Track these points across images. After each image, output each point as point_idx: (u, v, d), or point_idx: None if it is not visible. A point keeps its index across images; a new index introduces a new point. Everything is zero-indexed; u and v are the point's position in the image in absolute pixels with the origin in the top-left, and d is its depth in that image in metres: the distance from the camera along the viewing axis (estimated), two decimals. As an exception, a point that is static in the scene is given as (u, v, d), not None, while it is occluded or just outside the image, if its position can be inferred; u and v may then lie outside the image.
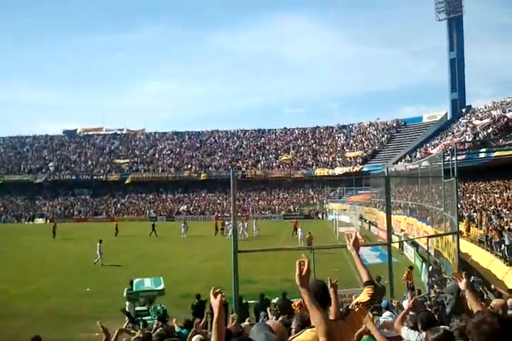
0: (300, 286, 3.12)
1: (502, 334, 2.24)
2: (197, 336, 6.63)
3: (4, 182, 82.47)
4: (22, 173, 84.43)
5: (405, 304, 9.99)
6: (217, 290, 3.23)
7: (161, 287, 15.38)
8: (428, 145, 62.55)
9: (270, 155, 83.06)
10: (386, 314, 7.32)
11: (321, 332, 2.99)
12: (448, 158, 19.50)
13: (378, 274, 15.68)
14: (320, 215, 64.27)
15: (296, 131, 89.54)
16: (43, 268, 27.09)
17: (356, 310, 3.73)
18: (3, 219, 73.07)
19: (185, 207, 74.17)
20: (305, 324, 3.96)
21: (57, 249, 35.04)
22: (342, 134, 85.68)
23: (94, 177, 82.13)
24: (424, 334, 4.39)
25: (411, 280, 18.47)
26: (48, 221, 69.05)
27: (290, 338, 3.53)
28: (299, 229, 36.08)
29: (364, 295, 3.91)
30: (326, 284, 3.67)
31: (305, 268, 3.14)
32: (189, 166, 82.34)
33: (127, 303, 15.75)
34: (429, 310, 8.28)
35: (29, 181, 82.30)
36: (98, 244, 28.61)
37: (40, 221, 71.13)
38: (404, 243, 28.69)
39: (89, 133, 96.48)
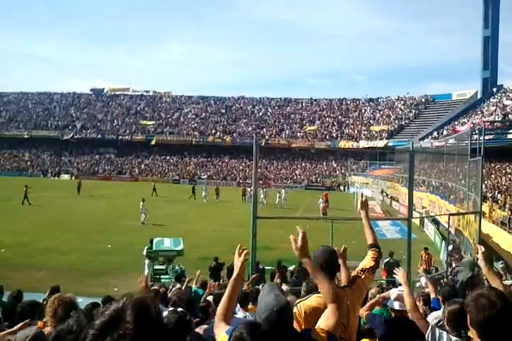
0: (301, 258, 3.21)
1: (499, 309, 2.20)
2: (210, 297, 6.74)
3: (32, 137, 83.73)
4: (49, 129, 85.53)
5: (423, 281, 9.96)
6: (244, 248, 3.24)
7: (180, 247, 15.61)
8: (456, 123, 61.34)
9: (295, 125, 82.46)
10: (400, 288, 7.30)
11: (327, 300, 3.02)
12: (475, 137, 19.20)
13: (397, 249, 15.70)
14: (342, 187, 64.09)
15: (323, 102, 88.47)
16: (65, 223, 27.61)
17: (362, 276, 3.73)
18: (30, 173, 74.46)
19: (206, 175, 74.56)
20: (313, 289, 3.98)
21: (80, 206, 35.65)
22: (369, 107, 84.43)
23: (120, 137, 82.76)
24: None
25: (428, 263, 17.58)
26: (73, 177, 70.23)
27: (297, 301, 3.55)
28: (320, 200, 36.14)
29: (368, 260, 3.91)
30: (334, 251, 3.63)
31: (299, 240, 3.20)
32: (213, 131, 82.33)
33: (146, 261, 16.05)
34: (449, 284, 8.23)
35: (56, 137, 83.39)
36: (141, 203, 29.30)
37: (65, 177, 72.36)
38: (425, 220, 28.53)
39: (117, 92, 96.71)
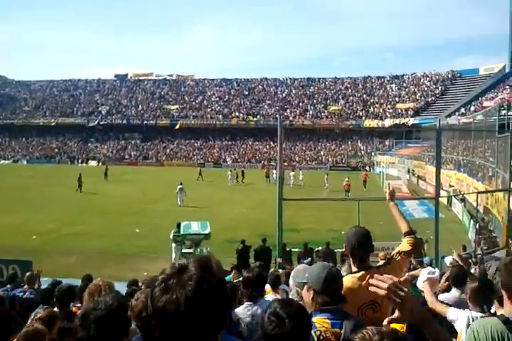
0: (389, 200, 4.36)
1: None
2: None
3: (58, 124, 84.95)
4: (75, 116, 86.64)
5: (448, 261, 9.87)
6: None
7: (207, 231, 15.72)
8: (483, 98, 60.11)
9: (319, 105, 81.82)
10: (430, 269, 7.27)
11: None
12: (503, 112, 18.81)
13: (424, 229, 15.58)
14: (367, 167, 63.63)
15: (347, 81, 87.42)
16: (94, 208, 28.08)
17: (398, 258, 3.74)
18: (58, 160, 75.79)
19: (230, 158, 74.78)
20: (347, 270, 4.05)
21: (108, 191, 36.15)
22: (394, 85, 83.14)
23: (145, 122, 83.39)
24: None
25: None
26: (100, 163, 71.20)
27: None
28: (345, 179, 35.93)
29: (405, 245, 3.91)
30: (368, 232, 3.62)
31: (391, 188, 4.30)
32: (237, 114, 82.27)
33: (173, 245, 16.25)
34: (462, 265, 8.15)
35: (82, 124, 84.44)
36: (179, 186, 29.94)
37: (93, 163, 73.38)
38: (453, 199, 28.18)
39: (140, 78, 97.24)
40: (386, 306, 3.39)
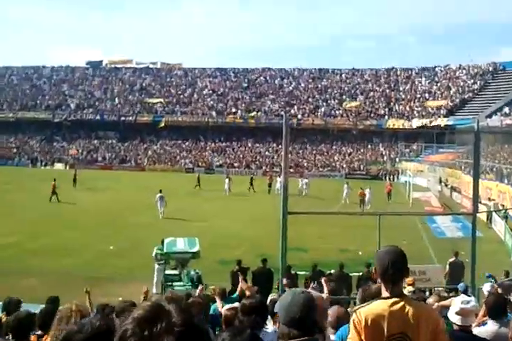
0: None
1: None
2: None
3: (18, 119, 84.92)
4: (38, 110, 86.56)
5: (486, 289, 9.87)
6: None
7: (195, 249, 15.71)
8: (532, 95, 60.26)
9: (333, 101, 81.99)
10: (464, 298, 7.26)
11: None
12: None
13: (459, 250, 15.56)
14: (391, 176, 63.61)
15: (367, 73, 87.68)
16: (61, 220, 28.08)
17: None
18: (17, 162, 75.61)
19: (220, 162, 74.88)
20: (371, 297, 4.07)
21: (77, 200, 36.14)
22: (424, 78, 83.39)
23: (122, 118, 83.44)
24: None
25: None
26: (68, 167, 71.18)
27: (355, 308, 3.69)
28: (367, 190, 36.12)
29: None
30: (403, 252, 3.66)
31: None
32: (234, 110, 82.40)
33: (156, 266, 16.21)
34: (501, 293, 8.15)
35: (47, 119, 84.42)
36: (158, 195, 30.69)
37: (59, 166, 73.23)
38: (494, 215, 28.19)
39: (117, 65, 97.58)
40: (418, 340, 3.44)
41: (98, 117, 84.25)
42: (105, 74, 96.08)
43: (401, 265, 3.56)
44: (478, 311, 6.42)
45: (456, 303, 5.31)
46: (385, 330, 3.37)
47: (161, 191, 31.09)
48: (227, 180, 43.93)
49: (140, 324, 1.41)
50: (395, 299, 3.48)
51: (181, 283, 15.21)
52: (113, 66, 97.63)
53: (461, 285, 11.45)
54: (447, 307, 5.70)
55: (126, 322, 1.44)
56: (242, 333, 2.33)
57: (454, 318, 5.22)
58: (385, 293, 3.57)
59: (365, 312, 3.48)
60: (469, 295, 8.69)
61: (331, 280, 13.47)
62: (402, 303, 3.45)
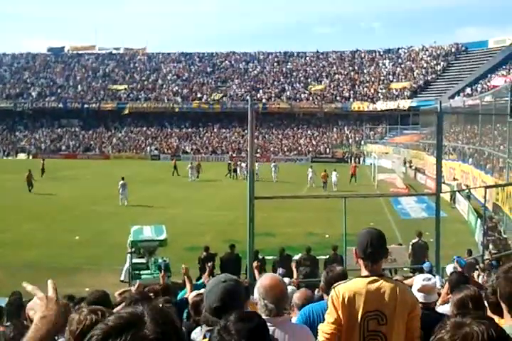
0: None
1: None
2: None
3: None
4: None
5: (449, 269, 10.05)
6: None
7: (162, 237, 15.64)
8: (493, 76, 61.15)
9: (298, 85, 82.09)
10: (426, 275, 7.36)
11: None
12: (517, 92, 19.09)
13: (423, 230, 15.80)
14: (356, 159, 64.16)
15: (331, 56, 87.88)
16: (24, 211, 27.63)
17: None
18: (-22, 153, 74.30)
19: (190, 148, 74.63)
20: (336, 279, 4.26)
21: (41, 190, 35.60)
22: (387, 60, 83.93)
23: (85, 105, 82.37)
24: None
25: None
26: (31, 156, 70.27)
27: (335, 284, 3.74)
28: (334, 173, 36.43)
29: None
30: (382, 233, 3.77)
31: None
32: (199, 95, 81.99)
33: (128, 255, 16.08)
34: (462, 272, 8.31)
35: (8, 109, 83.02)
36: (120, 182, 30.53)
37: (21, 156, 72.22)
38: (457, 195, 28.63)
39: (80, 52, 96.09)
40: (393, 319, 3.53)
41: (61, 105, 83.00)
42: (67, 60, 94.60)
43: (380, 244, 3.67)
44: (440, 290, 6.52)
45: (418, 281, 5.37)
46: (361, 307, 3.49)
47: (123, 178, 30.97)
48: (189, 166, 44.05)
49: (107, 333, 1.40)
50: (373, 277, 3.59)
51: (149, 271, 15.15)
52: (75, 52, 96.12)
53: (426, 265, 11.65)
54: (410, 286, 5.78)
55: (96, 327, 1.44)
56: (252, 321, 2.29)
57: (417, 296, 5.30)
58: (364, 272, 3.68)
59: (343, 288, 3.58)
60: (434, 275, 8.84)
61: (305, 265, 13.62)
62: (380, 282, 3.57)
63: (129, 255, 15.89)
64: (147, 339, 1.38)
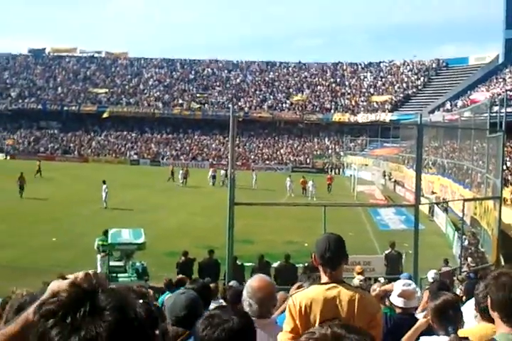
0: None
1: None
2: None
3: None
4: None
5: (430, 275, 10.21)
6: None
7: (141, 240, 15.57)
8: (473, 92, 61.90)
9: (280, 94, 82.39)
10: (406, 281, 7.45)
11: None
12: (496, 108, 19.37)
13: (402, 242, 15.95)
14: (336, 170, 64.45)
15: (313, 67, 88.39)
16: (2, 212, 27.29)
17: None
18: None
19: (170, 153, 74.45)
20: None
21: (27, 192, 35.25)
22: (369, 73, 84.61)
23: (65, 107, 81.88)
24: None
25: None
26: (9, 157, 69.68)
27: (292, 292, 3.81)
28: (310, 183, 36.87)
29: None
30: (341, 237, 3.69)
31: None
32: (180, 102, 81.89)
33: (98, 256, 16.08)
34: (444, 280, 8.44)
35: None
36: (103, 186, 30.66)
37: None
38: (436, 208, 28.93)
39: (61, 54, 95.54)
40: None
41: (40, 106, 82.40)
42: (48, 62, 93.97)
43: (339, 250, 3.58)
44: (421, 298, 6.60)
45: (398, 286, 5.44)
46: (319, 315, 3.40)
47: (104, 182, 31.07)
48: (181, 172, 44.52)
49: (60, 309, 1.21)
50: (332, 284, 3.51)
51: (126, 275, 15.09)
52: (56, 54, 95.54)
53: (404, 275, 11.73)
54: (389, 292, 5.85)
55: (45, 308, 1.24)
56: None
57: (397, 301, 5.35)
58: (324, 278, 3.60)
59: (300, 297, 3.53)
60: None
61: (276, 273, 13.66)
62: (338, 289, 3.49)
63: (99, 257, 15.86)
64: (106, 321, 1.19)
